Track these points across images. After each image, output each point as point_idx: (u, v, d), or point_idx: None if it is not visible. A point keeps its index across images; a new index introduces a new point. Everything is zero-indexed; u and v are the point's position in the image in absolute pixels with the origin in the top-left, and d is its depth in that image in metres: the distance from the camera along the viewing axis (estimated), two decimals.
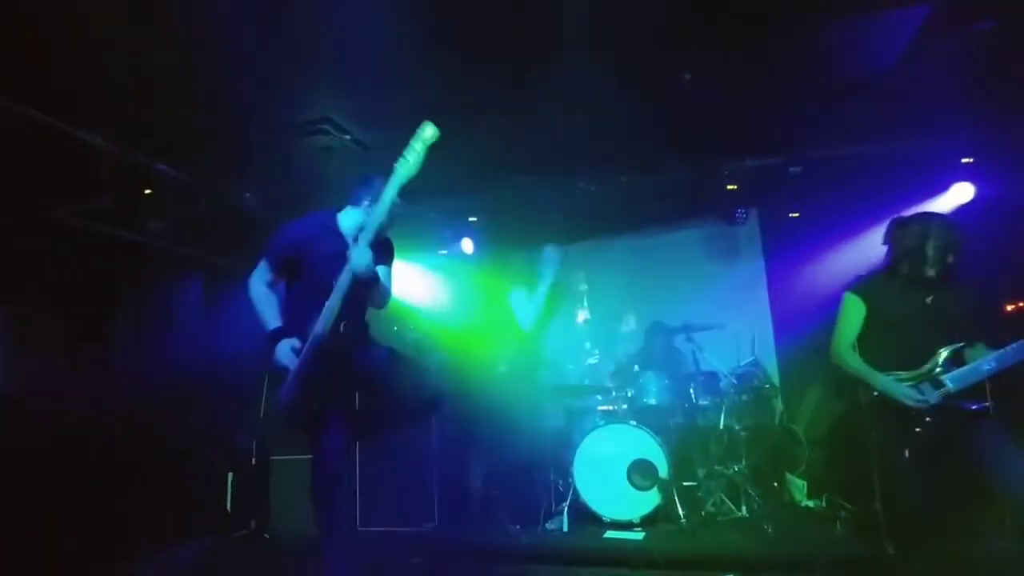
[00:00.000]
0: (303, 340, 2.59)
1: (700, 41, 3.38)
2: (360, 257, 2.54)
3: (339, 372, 2.61)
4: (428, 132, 2.65)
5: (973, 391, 2.72)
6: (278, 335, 2.66)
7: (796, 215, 5.31)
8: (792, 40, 3.38)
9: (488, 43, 3.35)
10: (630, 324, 6.09)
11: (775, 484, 4.86)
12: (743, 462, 4.57)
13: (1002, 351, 2.69)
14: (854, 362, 2.94)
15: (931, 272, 2.82)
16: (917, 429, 2.74)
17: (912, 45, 3.35)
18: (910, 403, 2.73)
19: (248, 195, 5.19)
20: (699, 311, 5.15)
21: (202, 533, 4.72)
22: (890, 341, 2.89)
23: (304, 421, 2.66)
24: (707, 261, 5.93)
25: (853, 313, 2.99)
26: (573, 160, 4.86)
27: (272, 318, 2.73)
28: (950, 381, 2.72)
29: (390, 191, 2.61)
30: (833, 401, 5.03)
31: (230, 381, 5.14)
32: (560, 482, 4.84)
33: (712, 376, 4.86)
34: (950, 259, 2.81)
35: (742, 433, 4.66)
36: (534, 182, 5.30)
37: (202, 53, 3.26)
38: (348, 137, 4.26)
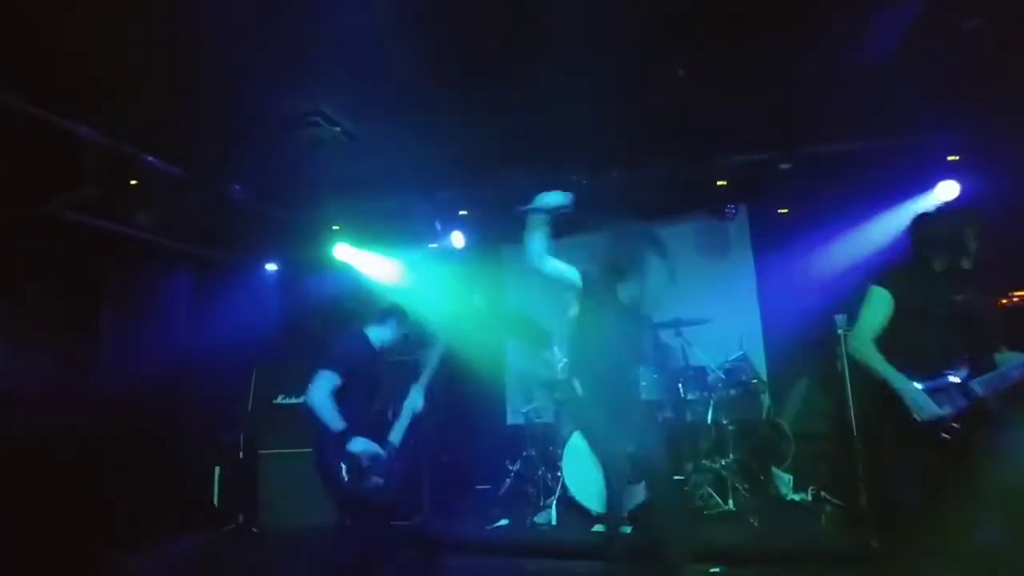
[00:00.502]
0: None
1: (692, 38, 3.38)
2: (417, 401, 3.36)
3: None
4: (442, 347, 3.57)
5: (999, 395, 2.64)
6: (351, 432, 3.11)
7: (785, 211, 5.33)
8: (782, 38, 3.38)
9: (482, 37, 3.33)
10: None
11: (762, 478, 4.90)
12: (730, 456, 4.61)
13: None
14: (876, 361, 2.78)
15: (967, 265, 2.75)
16: (944, 435, 2.65)
17: (901, 43, 3.36)
18: (927, 417, 2.62)
19: (237, 187, 5.15)
20: (688, 306, 5.17)
21: (190, 527, 4.70)
22: (915, 338, 2.75)
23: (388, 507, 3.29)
24: (697, 256, 5.94)
25: (880, 307, 2.83)
26: (565, 154, 4.86)
27: (339, 419, 3.11)
28: (979, 386, 2.64)
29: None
30: (820, 396, 5.08)
31: (219, 375, 5.11)
32: (549, 476, 4.87)
33: (701, 371, 4.88)
34: (981, 254, 2.74)
35: (730, 428, 4.70)
36: (525, 175, 5.29)
37: (192, 46, 3.21)
38: (338, 129, 4.22)
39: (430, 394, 3.44)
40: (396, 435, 3.26)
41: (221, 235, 5.51)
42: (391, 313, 3.50)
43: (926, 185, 4.81)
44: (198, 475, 4.95)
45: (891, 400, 2.76)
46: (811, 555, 3.70)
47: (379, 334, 3.44)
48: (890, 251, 4.75)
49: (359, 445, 3.09)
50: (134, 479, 4.40)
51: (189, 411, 4.97)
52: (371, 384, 3.29)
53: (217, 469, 4.98)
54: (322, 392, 3.10)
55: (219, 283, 5.71)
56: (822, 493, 4.42)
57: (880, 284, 2.86)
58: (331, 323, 5.48)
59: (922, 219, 2.92)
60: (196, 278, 5.53)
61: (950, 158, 4.66)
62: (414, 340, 3.89)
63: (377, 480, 3.10)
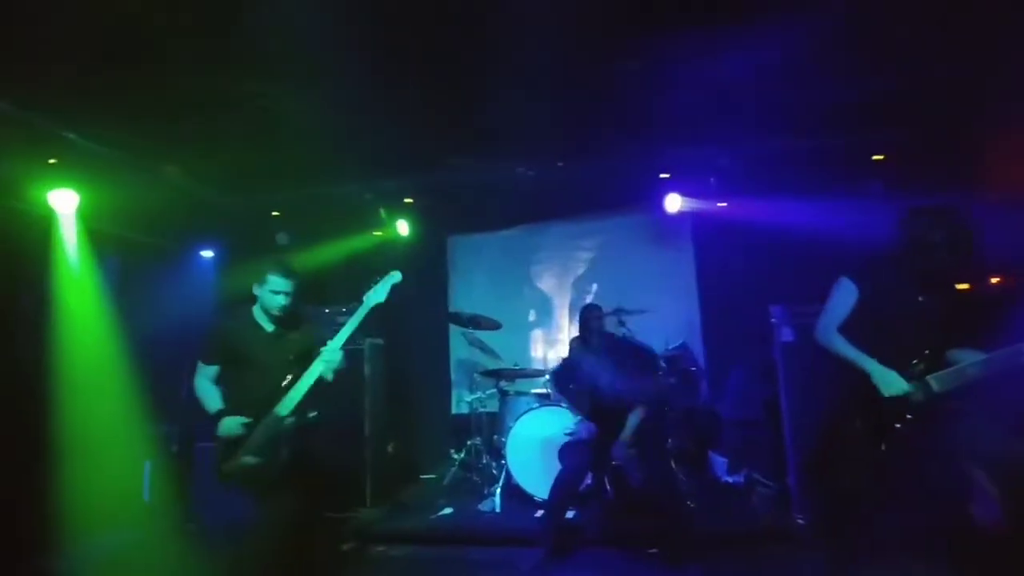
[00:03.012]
0: (247, 415, 2.95)
1: (637, 32, 3.42)
2: (333, 357, 2.98)
3: (294, 448, 2.98)
4: (396, 278, 3.18)
5: (955, 392, 2.71)
6: (222, 413, 3.00)
7: (724, 205, 5.49)
8: (718, 34, 3.45)
9: (430, 24, 3.28)
10: (567, 307, 6.22)
11: (699, 461, 5.08)
12: (670, 441, 4.74)
13: (987, 356, 2.67)
14: (841, 344, 2.88)
15: (935, 268, 2.78)
16: (898, 425, 2.75)
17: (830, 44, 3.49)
18: (896, 392, 2.71)
19: (170, 169, 4.91)
20: (631, 296, 5.29)
21: (119, 525, 4.47)
22: (878, 333, 2.83)
23: (260, 486, 2.98)
24: (640, 248, 6.08)
25: (845, 297, 2.92)
26: (511, 144, 4.86)
27: (214, 403, 3.06)
28: (935, 382, 2.71)
29: (358, 316, 3.08)
30: (755, 382, 5.29)
31: (150, 365, 4.87)
32: (493, 465, 4.90)
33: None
34: (956, 258, 2.76)
35: (669, 414, 4.83)
36: (473, 165, 5.27)
37: (125, 16, 3.02)
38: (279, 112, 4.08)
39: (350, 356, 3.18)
40: (287, 405, 2.94)
41: (153, 219, 5.24)
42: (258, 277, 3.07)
43: (853, 182, 5.05)
44: (126, 470, 4.71)
45: (855, 387, 2.84)
46: (743, 534, 3.88)
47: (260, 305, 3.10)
48: (826, 244, 5.00)
49: (226, 426, 2.93)
50: (59, 475, 4.16)
51: (116, 403, 4.71)
52: (261, 364, 3.03)
53: (147, 464, 4.76)
54: (200, 381, 3.11)
55: (150, 269, 5.44)
56: (754, 475, 4.62)
57: (849, 276, 2.94)
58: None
59: (911, 213, 2.92)
60: (124, 264, 5.24)
61: (875, 157, 4.91)
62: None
63: (247, 459, 2.89)
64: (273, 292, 3.01)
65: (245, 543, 2.97)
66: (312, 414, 3.05)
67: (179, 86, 3.71)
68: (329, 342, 3.00)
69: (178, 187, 5.06)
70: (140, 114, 4.00)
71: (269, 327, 3.09)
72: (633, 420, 3.71)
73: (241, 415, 2.95)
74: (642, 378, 3.82)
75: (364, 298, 3.12)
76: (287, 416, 2.94)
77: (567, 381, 4.19)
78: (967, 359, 2.73)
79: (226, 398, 3.08)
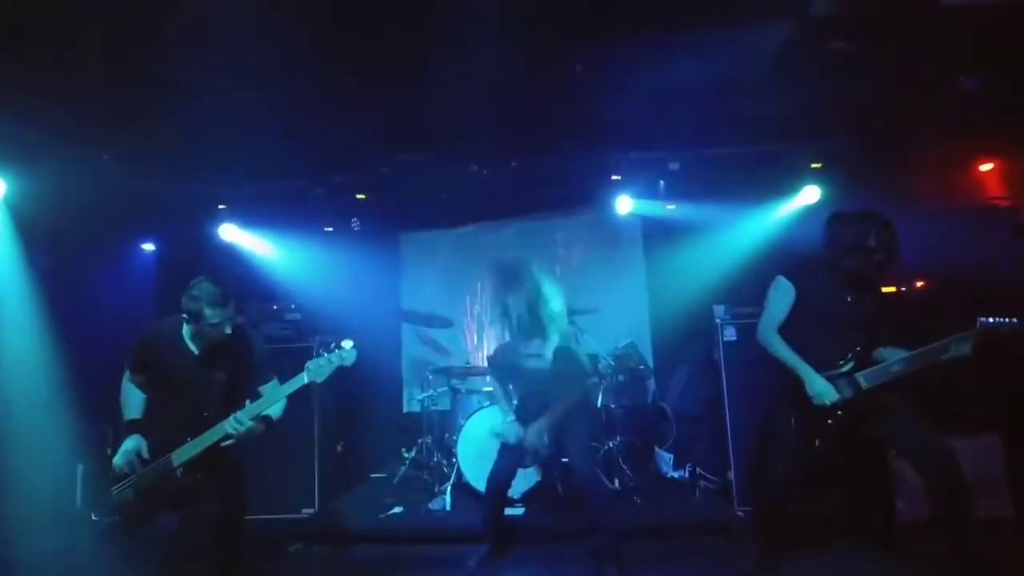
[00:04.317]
0: (161, 438, 2.81)
1: (588, 35, 3.47)
2: (238, 429, 2.70)
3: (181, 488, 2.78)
4: (349, 359, 2.79)
5: (883, 387, 2.89)
6: (131, 427, 2.87)
7: (673, 207, 5.63)
8: (669, 41, 3.54)
9: (382, 19, 3.24)
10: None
11: (645, 458, 5.21)
12: (617, 438, 4.85)
13: (911, 354, 2.87)
14: (780, 347, 3.00)
15: (865, 270, 2.92)
16: (829, 421, 2.91)
17: (774, 57, 3.63)
18: (825, 401, 2.86)
19: (106, 157, 4.69)
20: (581, 295, 5.36)
21: (51, 531, 4.26)
22: (811, 332, 2.98)
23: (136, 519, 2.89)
24: (591, 248, 6.18)
25: (782, 297, 3.04)
26: (466, 142, 4.85)
27: (132, 410, 2.93)
28: (863, 379, 2.89)
29: (289, 388, 2.78)
30: (699, 380, 5.46)
31: (85, 363, 4.64)
32: (444, 463, 4.89)
33: (592, 358, 5.08)
34: (885, 260, 2.90)
35: (617, 411, 4.94)
36: (426, 162, 5.24)
37: None
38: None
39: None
40: (181, 455, 2.76)
41: (89, 209, 4.99)
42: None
43: (793, 188, 5.28)
44: (59, 474, 4.48)
45: (791, 386, 2.99)
46: (686, 527, 4.00)
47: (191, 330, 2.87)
48: (766, 246, 5.22)
49: (123, 447, 2.82)
50: None
51: (48, 404, 4.48)
52: (181, 383, 2.86)
53: (80, 467, 4.54)
54: (125, 381, 2.96)
55: (86, 262, 5.19)
56: (698, 470, 4.77)
57: (786, 276, 3.07)
58: None
59: (830, 221, 3.07)
60: (56, 257, 4.98)
61: (813, 165, 5.13)
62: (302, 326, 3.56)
63: (127, 493, 2.81)
64: (212, 325, 2.72)
65: (168, 551, 2.87)
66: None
67: (116, 70, 3.55)
68: (250, 404, 2.75)
69: (117, 176, 4.83)
70: (75, 97, 3.81)
71: (197, 350, 2.84)
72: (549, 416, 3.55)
73: (158, 432, 2.82)
74: (570, 379, 3.80)
75: (306, 365, 2.76)
76: (179, 467, 2.75)
77: (503, 372, 4.06)
78: (893, 357, 2.92)
79: (148, 409, 2.93)
